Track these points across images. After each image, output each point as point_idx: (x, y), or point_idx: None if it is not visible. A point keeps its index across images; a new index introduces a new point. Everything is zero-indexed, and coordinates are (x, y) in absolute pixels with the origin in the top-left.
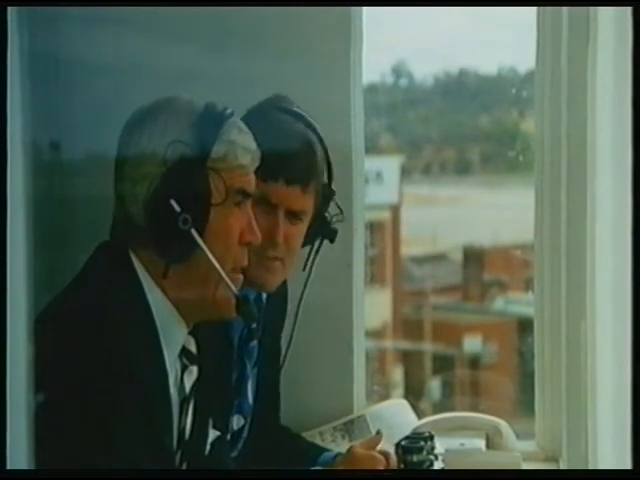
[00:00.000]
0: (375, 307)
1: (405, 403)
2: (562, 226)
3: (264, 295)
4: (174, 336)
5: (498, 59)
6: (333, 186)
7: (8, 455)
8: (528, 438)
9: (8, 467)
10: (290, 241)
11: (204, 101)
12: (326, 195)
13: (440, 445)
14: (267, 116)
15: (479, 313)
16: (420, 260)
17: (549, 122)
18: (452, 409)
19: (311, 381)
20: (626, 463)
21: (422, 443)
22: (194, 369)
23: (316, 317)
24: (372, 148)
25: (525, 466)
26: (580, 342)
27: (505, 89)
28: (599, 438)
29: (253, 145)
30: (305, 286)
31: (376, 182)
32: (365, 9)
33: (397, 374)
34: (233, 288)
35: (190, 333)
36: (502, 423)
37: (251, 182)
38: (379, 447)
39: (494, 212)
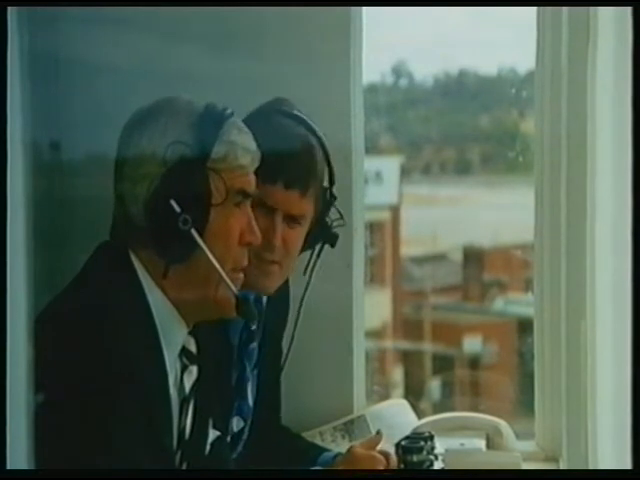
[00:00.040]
0: (375, 307)
1: (405, 403)
2: (562, 226)
3: (264, 297)
4: (174, 336)
5: (498, 59)
6: (333, 188)
7: (8, 455)
8: (528, 438)
9: (8, 467)
10: (288, 245)
11: (204, 101)
12: (327, 200)
13: (440, 445)
14: (267, 119)
15: (479, 313)
16: (420, 260)
17: (549, 122)
18: (452, 409)
19: (311, 381)
20: (626, 463)
21: (422, 443)
22: (194, 369)
23: (316, 317)
24: (372, 148)
25: (525, 466)
26: (580, 342)
27: (505, 89)
28: (599, 438)
29: (253, 145)
30: (306, 290)
31: (376, 182)
32: (365, 9)
33: (397, 374)
34: (233, 288)
35: (190, 333)
36: (502, 423)
37: (251, 182)
38: (379, 447)
39: (494, 212)
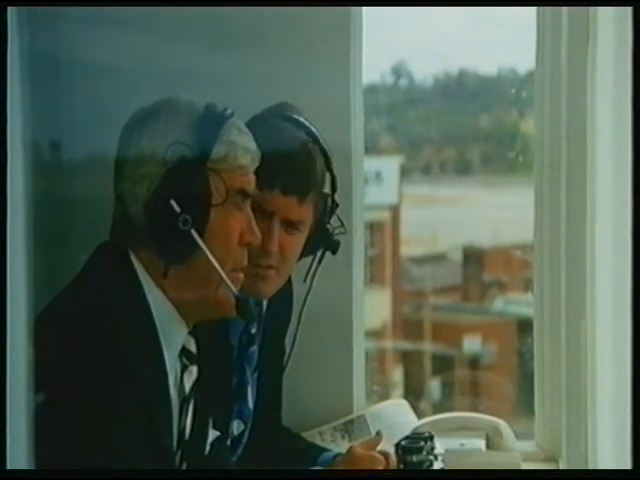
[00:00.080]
0: (375, 307)
1: (405, 403)
2: (562, 226)
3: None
4: (174, 336)
5: (498, 59)
6: (335, 195)
7: (8, 455)
8: (528, 438)
9: (8, 467)
10: (286, 250)
11: (204, 102)
12: (328, 207)
13: (440, 445)
14: (267, 123)
15: (479, 313)
16: (420, 260)
17: (549, 122)
18: (452, 409)
19: (311, 381)
20: (626, 463)
21: (422, 443)
22: (194, 369)
23: (316, 317)
24: (372, 148)
25: (525, 466)
26: (580, 342)
27: (505, 89)
28: (599, 438)
29: (253, 145)
30: (307, 295)
31: (376, 182)
32: (365, 9)
33: (397, 374)
34: (233, 288)
35: (190, 333)
36: (502, 423)
37: (251, 182)
38: (379, 447)
39: (494, 212)
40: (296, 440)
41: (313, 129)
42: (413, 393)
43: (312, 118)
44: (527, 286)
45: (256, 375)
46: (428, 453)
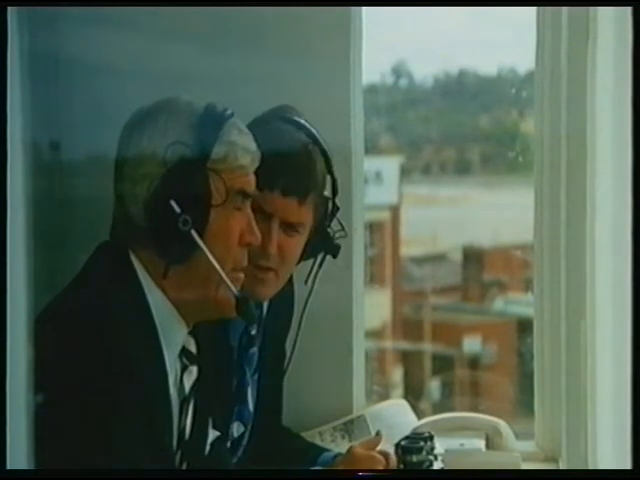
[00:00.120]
0: (375, 307)
1: (405, 403)
2: (562, 226)
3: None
4: (174, 336)
5: (498, 59)
6: (336, 199)
7: (8, 455)
8: (528, 438)
9: (8, 467)
10: (285, 252)
11: (204, 102)
12: (328, 210)
13: (440, 445)
14: (268, 125)
15: (479, 313)
16: (420, 260)
17: (549, 122)
18: (452, 409)
19: (311, 381)
20: (626, 463)
21: (422, 443)
22: (194, 369)
23: (316, 317)
24: (372, 148)
25: (525, 466)
26: (580, 342)
27: (505, 89)
28: (599, 438)
29: (253, 146)
30: (308, 297)
31: (376, 182)
32: (365, 9)
33: (397, 374)
34: (233, 289)
35: (190, 333)
36: (502, 423)
37: (251, 183)
38: (379, 447)
39: (494, 212)
40: (296, 440)
41: (314, 131)
42: (413, 393)
43: (312, 118)
44: (527, 286)
45: (256, 377)
46: (428, 453)
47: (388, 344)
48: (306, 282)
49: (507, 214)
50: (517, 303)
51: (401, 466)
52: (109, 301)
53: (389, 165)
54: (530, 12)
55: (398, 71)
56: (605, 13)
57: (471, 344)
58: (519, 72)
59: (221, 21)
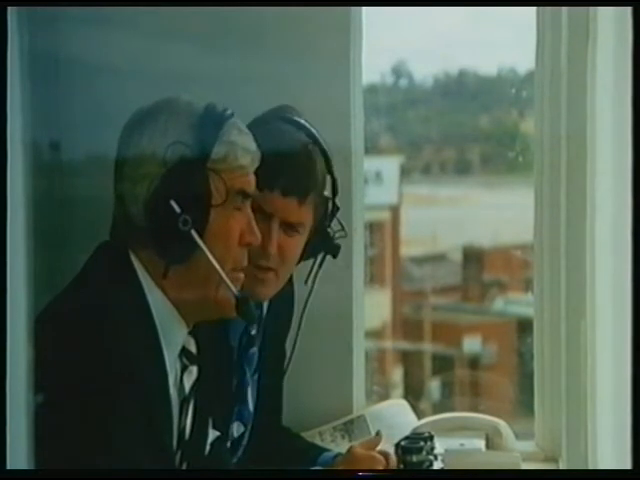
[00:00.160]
0: (375, 307)
1: (405, 403)
2: (562, 226)
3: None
4: (174, 336)
5: (498, 59)
6: (336, 199)
7: (8, 455)
8: (528, 438)
9: (8, 467)
10: (285, 252)
11: (204, 102)
12: (328, 210)
13: (440, 445)
14: (268, 125)
15: (479, 313)
16: (420, 260)
17: (549, 122)
18: (452, 409)
19: (311, 381)
20: (626, 463)
21: (422, 443)
22: (194, 369)
23: (316, 317)
24: (372, 148)
25: (525, 466)
26: (580, 342)
27: (505, 89)
28: (599, 438)
29: (253, 146)
30: (308, 297)
31: (376, 182)
32: (365, 9)
33: (397, 374)
34: (233, 289)
35: (190, 333)
36: (501, 423)
37: (251, 183)
38: (379, 447)
39: (494, 212)
40: (296, 440)
41: (314, 131)
42: (413, 393)
43: (312, 118)
44: (527, 286)
45: (256, 377)
46: (428, 453)
47: (388, 344)
48: (306, 282)
49: (507, 214)
50: (517, 303)
51: (401, 466)
52: (109, 301)
53: (389, 165)
54: (530, 12)
55: (398, 71)
56: (605, 13)
57: (471, 344)
58: (519, 72)
59: (221, 21)
